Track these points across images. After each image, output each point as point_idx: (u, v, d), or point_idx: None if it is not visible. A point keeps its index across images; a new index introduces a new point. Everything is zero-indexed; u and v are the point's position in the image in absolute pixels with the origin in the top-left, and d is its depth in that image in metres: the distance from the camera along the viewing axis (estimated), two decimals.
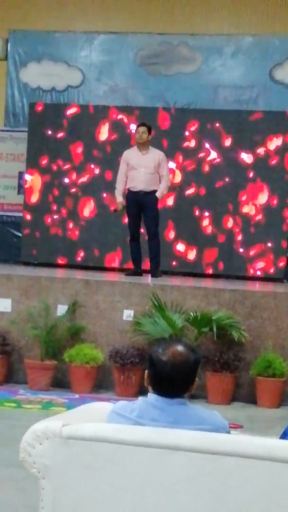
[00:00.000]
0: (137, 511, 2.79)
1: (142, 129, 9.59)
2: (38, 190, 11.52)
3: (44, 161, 11.44)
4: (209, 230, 11.13)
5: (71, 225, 11.43)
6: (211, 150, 11.11)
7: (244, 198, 11.05)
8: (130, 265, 10.14)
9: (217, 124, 11.06)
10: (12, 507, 4.69)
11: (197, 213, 11.13)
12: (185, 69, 11.84)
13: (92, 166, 11.33)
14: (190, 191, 11.13)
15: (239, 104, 11.58)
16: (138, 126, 9.75)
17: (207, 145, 11.09)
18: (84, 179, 11.38)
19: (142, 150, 9.62)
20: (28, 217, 11.55)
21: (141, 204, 9.60)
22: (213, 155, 11.12)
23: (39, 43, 12.10)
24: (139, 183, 9.55)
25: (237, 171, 11.08)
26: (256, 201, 11.07)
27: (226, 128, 11.05)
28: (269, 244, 11.01)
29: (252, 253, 11.05)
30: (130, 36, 11.93)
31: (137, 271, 9.72)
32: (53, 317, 8.53)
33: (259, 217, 11.04)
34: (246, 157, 11.05)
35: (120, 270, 10.61)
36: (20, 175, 12.00)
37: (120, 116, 11.28)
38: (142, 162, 9.56)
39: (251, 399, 8.22)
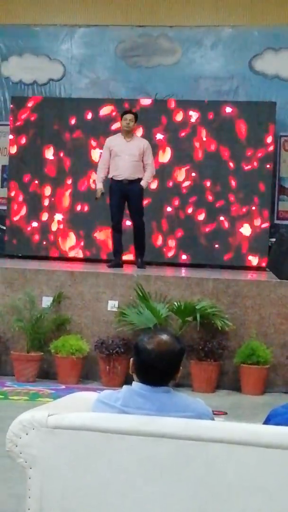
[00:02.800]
0: (124, 499, 2.82)
1: (130, 116, 9.47)
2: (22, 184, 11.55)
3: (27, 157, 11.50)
4: (191, 218, 11.18)
5: (54, 216, 11.46)
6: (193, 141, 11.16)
7: (226, 188, 11.11)
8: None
9: (197, 115, 11.11)
10: (0, 497, 4.73)
11: (176, 203, 11.18)
12: (165, 61, 11.85)
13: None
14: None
15: (219, 95, 11.61)
16: (124, 113, 9.59)
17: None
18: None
19: (127, 138, 9.50)
20: (12, 209, 11.57)
21: (125, 193, 9.45)
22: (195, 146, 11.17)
23: (20, 37, 12.07)
24: (124, 171, 9.39)
25: (218, 162, 11.13)
26: (239, 190, 11.13)
27: (205, 119, 11.10)
28: (252, 233, 11.08)
29: (234, 241, 11.11)
30: (110, 28, 11.93)
31: (119, 262, 9.63)
32: (38, 309, 8.56)
33: (242, 207, 11.09)
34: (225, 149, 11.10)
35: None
36: (3, 168, 12.00)
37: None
38: (126, 149, 9.41)
39: (236, 387, 8.29)
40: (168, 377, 2.96)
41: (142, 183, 9.45)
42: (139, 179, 9.46)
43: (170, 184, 11.13)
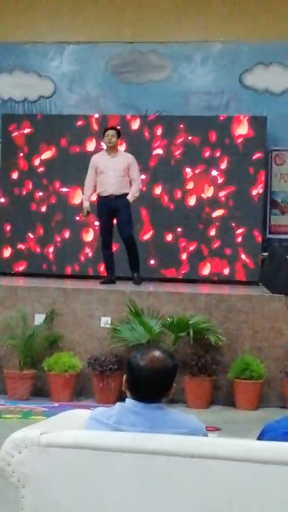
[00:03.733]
0: None
1: (112, 132, 9.51)
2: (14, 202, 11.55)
3: (15, 175, 11.49)
4: (183, 232, 11.19)
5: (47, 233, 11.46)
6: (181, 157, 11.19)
7: (218, 202, 11.13)
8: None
9: (188, 130, 11.15)
10: None
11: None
12: (155, 77, 11.89)
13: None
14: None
15: (210, 110, 11.64)
16: (106, 130, 9.61)
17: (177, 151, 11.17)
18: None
19: (111, 154, 9.51)
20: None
21: (112, 208, 9.44)
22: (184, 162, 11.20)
23: (10, 54, 12.10)
24: (109, 187, 9.39)
25: (209, 176, 11.16)
26: (231, 204, 11.15)
27: (196, 134, 11.14)
28: (244, 247, 11.09)
29: (226, 256, 11.11)
30: (100, 45, 11.96)
31: (111, 279, 9.59)
32: (31, 326, 8.54)
33: (234, 220, 11.10)
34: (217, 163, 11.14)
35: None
36: None
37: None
38: (111, 165, 9.42)
39: (230, 402, 8.28)
40: (161, 394, 2.95)
41: (129, 197, 9.45)
42: (126, 194, 9.46)
43: (166, 200, 11.15)
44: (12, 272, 11.38)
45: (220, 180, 11.16)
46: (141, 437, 2.82)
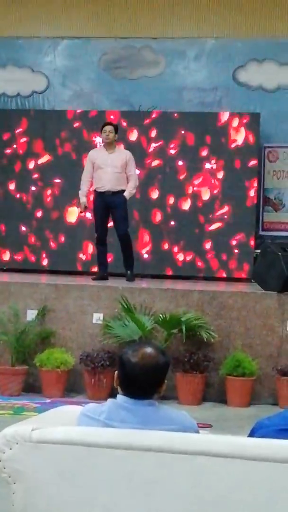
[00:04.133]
0: None
1: (109, 128, 9.47)
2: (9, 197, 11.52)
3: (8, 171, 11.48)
4: (176, 229, 11.18)
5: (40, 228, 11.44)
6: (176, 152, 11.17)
7: (211, 199, 11.12)
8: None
9: (181, 126, 11.14)
10: None
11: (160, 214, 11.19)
12: (149, 73, 11.88)
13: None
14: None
15: (203, 106, 11.64)
16: (104, 125, 9.57)
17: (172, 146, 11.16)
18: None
19: (109, 150, 9.49)
20: None
21: (109, 204, 9.43)
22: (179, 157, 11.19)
23: (3, 49, 12.07)
24: (106, 183, 9.37)
25: (202, 173, 11.15)
26: (224, 201, 11.14)
27: (189, 130, 11.13)
28: (236, 244, 11.09)
29: (219, 253, 11.11)
30: (93, 40, 11.94)
31: (104, 275, 9.58)
32: (23, 322, 8.52)
33: (227, 217, 11.10)
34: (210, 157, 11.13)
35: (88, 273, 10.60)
36: None
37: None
38: (108, 161, 9.40)
39: (221, 399, 8.28)
40: (153, 390, 2.95)
41: (125, 193, 9.44)
42: (122, 191, 9.44)
43: (155, 196, 11.12)
44: (4, 268, 11.35)
45: (212, 177, 11.14)
46: (132, 433, 2.82)
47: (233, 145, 11.08)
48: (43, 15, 12.00)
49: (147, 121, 11.17)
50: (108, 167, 9.39)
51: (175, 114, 11.24)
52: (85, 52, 11.96)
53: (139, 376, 2.90)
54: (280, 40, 11.56)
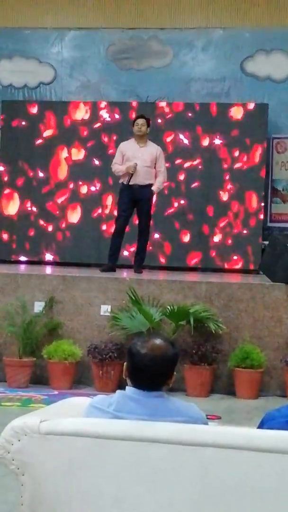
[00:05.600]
0: (117, 504, 2.80)
1: (141, 121, 9.37)
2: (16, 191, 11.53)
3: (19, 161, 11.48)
4: (187, 222, 11.17)
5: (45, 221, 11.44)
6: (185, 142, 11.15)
7: (220, 192, 11.10)
8: None
9: (190, 116, 11.12)
10: None
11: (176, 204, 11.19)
12: (156, 63, 11.85)
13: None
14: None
15: (211, 97, 11.60)
16: (136, 118, 9.48)
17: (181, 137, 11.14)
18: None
19: (140, 143, 9.40)
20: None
21: (135, 198, 9.34)
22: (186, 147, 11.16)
23: (10, 40, 12.06)
24: (135, 176, 9.27)
25: (211, 164, 11.13)
26: (233, 194, 11.12)
27: (199, 121, 11.10)
28: (245, 236, 11.07)
29: (227, 245, 11.10)
30: (100, 31, 11.92)
31: (112, 267, 9.53)
32: (31, 314, 8.52)
33: (236, 209, 11.09)
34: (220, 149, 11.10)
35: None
36: None
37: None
38: (138, 154, 9.30)
39: (230, 391, 8.27)
40: (162, 382, 2.93)
41: (154, 188, 9.35)
42: (150, 185, 9.38)
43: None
44: (12, 260, 11.37)
45: (221, 168, 11.12)
46: (141, 425, 2.81)
47: (241, 136, 11.04)
48: (50, 6, 11.97)
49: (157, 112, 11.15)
50: (137, 160, 9.28)
51: (182, 104, 11.22)
52: (92, 43, 11.93)
53: (148, 367, 2.89)
54: None
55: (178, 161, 11.10)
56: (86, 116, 11.36)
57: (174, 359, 2.96)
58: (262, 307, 8.45)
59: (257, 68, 11.64)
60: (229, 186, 11.10)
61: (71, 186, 11.41)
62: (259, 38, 11.60)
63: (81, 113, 11.39)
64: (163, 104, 11.33)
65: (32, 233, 11.47)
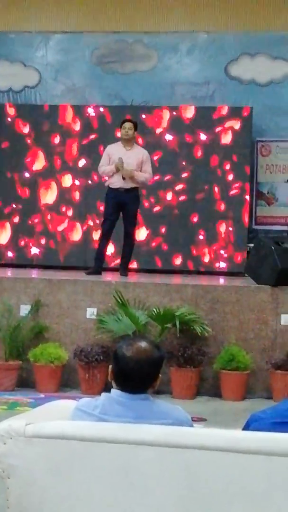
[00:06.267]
0: (104, 507, 2.80)
1: (129, 125, 9.37)
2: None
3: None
4: (169, 223, 11.18)
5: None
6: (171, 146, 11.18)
7: (203, 193, 11.13)
8: None
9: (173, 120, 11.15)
10: None
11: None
12: (141, 67, 11.86)
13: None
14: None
15: (195, 100, 11.63)
16: (124, 122, 9.46)
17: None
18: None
19: (126, 146, 9.40)
20: None
21: (121, 201, 9.32)
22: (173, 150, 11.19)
23: None
24: (120, 179, 9.27)
25: (195, 167, 11.16)
26: (218, 197, 11.15)
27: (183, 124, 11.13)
28: (230, 238, 11.10)
29: (213, 247, 11.12)
30: (85, 35, 11.92)
31: (98, 270, 9.55)
32: (16, 317, 8.51)
33: (221, 211, 11.11)
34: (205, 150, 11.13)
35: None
36: None
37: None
38: (124, 158, 9.27)
39: (216, 393, 8.28)
40: (147, 385, 2.94)
41: (135, 173, 9.26)
42: (136, 188, 9.39)
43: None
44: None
45: (205, 171, 11.14)
46: (126, 427, 2.82)
47: (225, 139, 11.08)
48: (35, 10, 11.96)
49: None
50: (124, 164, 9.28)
51: (166, 107, 11.24)
52: (77, 47, 11.93)
53: (134, 370, 2.90)
54: (272, 34, 11.54)
55: (163, 166, 11.11)
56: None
57: (159, 362, 2.97)
58: (247, 310, 8.47)
59: (241, 72, 11.67)
60: (214, 189, 11.11)
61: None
62: (243, 42, 11.63)
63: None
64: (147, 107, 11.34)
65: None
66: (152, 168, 9.64)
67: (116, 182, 9.34)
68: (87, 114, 11.33)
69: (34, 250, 11.37)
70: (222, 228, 11.09)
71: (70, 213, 11.36)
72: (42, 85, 12.03)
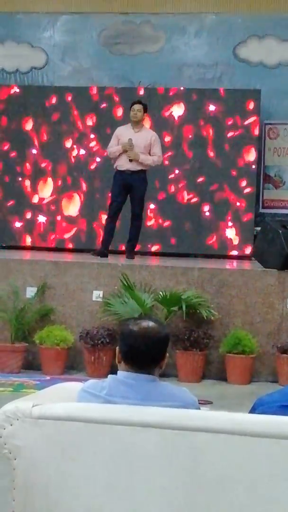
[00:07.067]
0: (109, 489, 2.80)
1: (138, 106, 9.33)
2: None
3: (6, 146, 11.45)
4: (176, 207, 11.16)
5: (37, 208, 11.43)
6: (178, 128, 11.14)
7: (210, 177, 11.10)
8: None
9: (181, 102, 11.10)
10: None
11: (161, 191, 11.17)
12: (148, 49, 11.80)
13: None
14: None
15: (203, 82, 11.57)
16: (133, 104, 9.41)
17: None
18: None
19: (135, 128, 9.36)
20: None
21: (128, 184, 9.29)
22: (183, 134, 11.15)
23: (2, 24, 11.99)
24: (126, 162, 9.25)
25: (202, 151, 11.12)
26: (224, 178, 11.12)
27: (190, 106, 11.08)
28: (237, 222, 11.08)
29: (219, 231, 11.10)
30: (93, 16, 11.86)
31: (104, 252, 9.52)
32: (22, 300, 8.52)
33: (227, 195, 11.09)
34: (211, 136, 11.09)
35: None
36: None
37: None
38: (133, 140, 9.22)
39: (222, 376, 8.29)
40: (155, 362, 2.94)
41: (142, 157, 9.23)
42: (143, 171, 9.34)
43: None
44: (4, 245, 11.35)
45: (213, 154, 11.11)
46: (133, 409, 2.81)
47: (233, 122, 11.03)
48: None
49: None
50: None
51: (174, 90, 11.19)
52: (84, 28, 11.88)
53: (143, 346, 2.89)
54: (281, 16, 11.46)
55: (171, 146, 11.07)
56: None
57: (166, 340, 2.97)
58: (254, 293, 8.46)
59: (249, 54, 11.61)
60: (221, 173, 11.08)
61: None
62: (252, 23, 11.56)
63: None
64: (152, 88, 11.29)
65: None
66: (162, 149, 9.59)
67: (123, 164, 9.31)
68: (94, 96, 11.29)
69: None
70: (229, 211, 11.05)
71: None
72: (49, 66, 11.99)
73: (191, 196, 11.14)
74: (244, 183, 11.05)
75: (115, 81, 11.65)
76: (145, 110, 9.41)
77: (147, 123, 10.23)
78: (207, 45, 11.72)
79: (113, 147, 9.40)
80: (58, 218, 11.34)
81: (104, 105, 11.23)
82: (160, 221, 11.18)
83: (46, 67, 11.99)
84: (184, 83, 11.52)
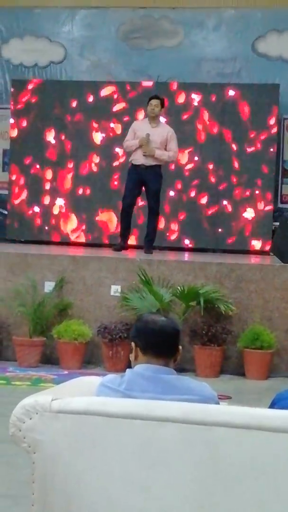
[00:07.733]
0: (127, 483, 2.79)
1: (155, 102, 9.30)
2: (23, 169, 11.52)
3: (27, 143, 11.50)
4: (194, 201, 11.15)
5: (55, 201, 11.44)
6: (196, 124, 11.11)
7: (229, 171, 11.07)
8: None
9: (199, 97, 11.07)
10: (4, 482, 4.72)
11: (179, 186, 11.14)
12: (167, 43, 11.79)
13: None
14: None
15: (222, 77, 11.54)
16: (151, 99, 9.38)
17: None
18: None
19: (152, 123, 9.34)
20: (13, 193, 11.54)
21: (142, 178, 9.29)
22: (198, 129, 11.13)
23: (21, 19, 12.01)
24: (141, 156, 9.23)
25: (221, 145, 11.09)
26: (243, 173, 11.09)
27: (208, 101, 11.05)
28: (255, 217, 11.04)
29: (239, 226, 11.08)
30: (111, 10, 11.85)
31: (123, 246, 9.56)
32: (41, 294, 8.54)
33: (246, 190, 11.06)
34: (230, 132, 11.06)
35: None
36: (4, 152, 11.96)
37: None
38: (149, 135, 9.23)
39: (240, 372, 8.27)
40: (172, 352, 2.95)
41: (157, 152, 9.21)
42: (158, 166, 9.32)
43: (173, 167, 11.05)
44: (22, 240, 11.38)
45: (232, 149, 11.08)
46: (151, 403, 2.80)
47: (252, 116, 10.99)
48: None
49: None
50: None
51: (192, 84, 11.17)
52: (102, 22, 11.88)
53: (161, 332, 2.94)
54: None
55: (189, 141, 11.04)
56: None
57: (178, 334, 3.03)
58: (272, 288, 8.43)
59: (268, 48, 11.56)
60: (239, 168, 11.05)
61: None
62: (271, 18, 11.52)
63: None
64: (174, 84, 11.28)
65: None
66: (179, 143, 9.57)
67: (138, 159, 9.30)
68: (112, 90, 11.29)
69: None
70: (248, 206, 11.02)
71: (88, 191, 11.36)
72: (67, 60, 12.00)
73: (208, 191, 11.11)
74: (262, 178, 11.01)
75: (133, 75, 11.64)
76: (162, 105, 9.38)
77: (163, 118, 10.21)
78: (226, 40, 11.68)
79: (130, 141, 9.39)
80: (78, 213, 11.35)
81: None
82: (179, 215, 11.16)
83: (65, 61, 12.00)
84: (202, 78, 11.50)
